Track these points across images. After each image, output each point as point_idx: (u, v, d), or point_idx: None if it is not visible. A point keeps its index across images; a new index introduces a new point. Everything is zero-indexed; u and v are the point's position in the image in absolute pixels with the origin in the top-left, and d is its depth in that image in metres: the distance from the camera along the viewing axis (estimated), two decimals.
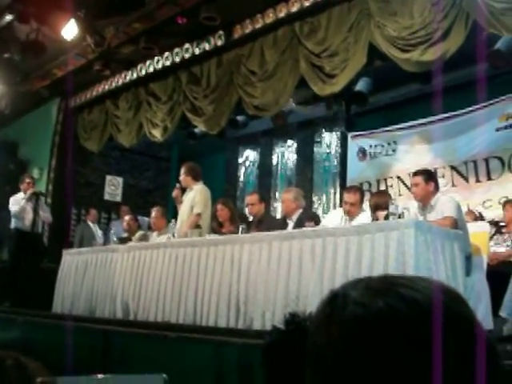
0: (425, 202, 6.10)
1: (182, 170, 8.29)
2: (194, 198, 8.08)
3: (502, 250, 6.84)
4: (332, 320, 0.78)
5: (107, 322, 7.25)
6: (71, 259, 8.99)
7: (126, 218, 9.96)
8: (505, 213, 7.30)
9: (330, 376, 0.76)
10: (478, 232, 6.70)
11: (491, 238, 7.11)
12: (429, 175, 6.21)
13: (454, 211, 5.81)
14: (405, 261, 4.87)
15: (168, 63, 10.44)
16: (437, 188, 6.18)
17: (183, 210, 8.17)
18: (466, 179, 9.61)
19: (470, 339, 0.74)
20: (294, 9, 8.46)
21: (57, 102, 13.09)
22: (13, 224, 10.39)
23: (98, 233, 11.91)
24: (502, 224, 7.62)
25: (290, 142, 13.27)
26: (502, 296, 5.55)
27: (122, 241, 8.94)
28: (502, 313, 4.87)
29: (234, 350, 5.24)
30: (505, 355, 3.56)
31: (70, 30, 9.26)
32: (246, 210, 8.44)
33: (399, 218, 5.53)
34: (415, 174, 6.35)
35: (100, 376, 1.26)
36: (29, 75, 11.93)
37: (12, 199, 10.43)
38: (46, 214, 10.67)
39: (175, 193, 8.39)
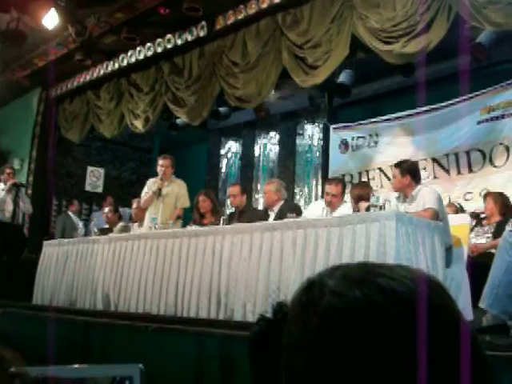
0: (403, 194, 6.12)
1: (167, 162, 8.29)
2: (178, 191, 8.19)
3: (482, 241, 6.87)
4: (308, 310, 0.76)
5: (88, 314, 7.22)
6: (52, 250, 8.95)
7: (106, 209, 9.92)
8: (485, 205, 7.34)
9: (304, 368, 0.74)
10: (458, 224, 6.73)
11: (472, 229, 7.13)
12: (406, 168, 6.20)
13: (434, 203, 5.83)
14: (385, 252, 4.89)
15: (150, 54, 10.38)
16: (416, 180, 6.19)
17: (167, 203, 8.18)
18: (448, 171, 9.64)
19: (452, 330, 0.73)
20: (277, 0, 8.45)
21: (38, 92, 13.01)
22: None
23: (79, 224, 11.85)
24: (482, 216, 7.65)
25: (272, 133, 13.27)
26: (482, 287, 5.57)
27: (103, 232, 8.90)
28: (482, 304, 4.89)
29: (215, 341, 5.24)
30: (484, 346, 3.56)
31: (50, 20, 9.18)
32: (228, 201, 8.44)
33: (380, 209, 5.54)
34: (395, 165, 6.37)
35: (73, 366, 1.25)
36: (9, 65, 11.82)
37: None
38: (26, 205, 10.60)
39: (160, 184, 8.31)
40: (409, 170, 6.20)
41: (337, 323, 0.72)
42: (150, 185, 8.46)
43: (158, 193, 8.29)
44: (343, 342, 0.71)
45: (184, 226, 7.86)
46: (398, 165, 6.28)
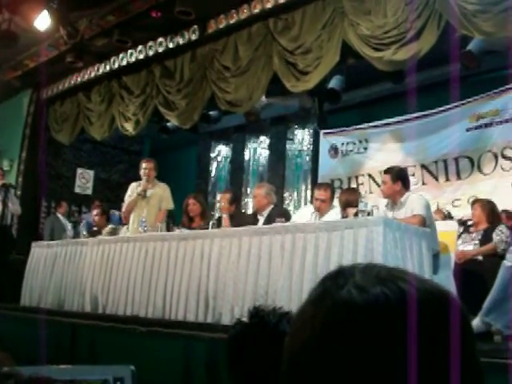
0: (393, 200, 6.16)
1: (151, 165, 8.37)
2: (162, 193, 8.29)
3: (469, 248, 6.91)
4: (326, 295, 0.78)
5: (75, 316, 7.22)
6: (40, 252, 8.93)
7: (94, 212, 9.90)
8: (473, 212, 7.37)
9: (308, 352, 0.76)
10: (446, 230, 6.78)
11: (459, 236, 7.18)
12: (397, 174, 6.24)
13: (422, 209, 5.87)
14: (373, 257, 4.91)
15: (141, 56, 10.38)
16: (406, 187, 6.23)
17: (152, 206, 8.23)
18: (436, 178, 9.69)
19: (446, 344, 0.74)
20: (269, 5, 8.48)
21: (28, 93, 12.98)
22: None
23: (68, 226, 11.81)
24: (470, 223, 7.69)
25: (262, 137, 13.29)
26: (469, 294, 5.61)
27: (92, 234, 8.89)
28: (486, 318, 4.91)
29: (203, 345, 5.26)
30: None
31: (42, 21, 9.18)
32: (217, 205, 8.44)
33: (368, 215, 5.57)
34: (385, 171, 6.40)
35: (66, 366, 1.27)
36: (0, 66, 11.81)
37: None
38: (15, 206, 10.59)
39: (145, 185, 8.36)
40: (400, 177, 6.24)
41: (350, 315, 0.74)
42: (133, 188, 8.51)
43: (144, 194, 8.32)
44: (347, 335, 0.73)
45: (168, 228, 7.89)
46: (389, 171, 6.31)
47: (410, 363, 0.70)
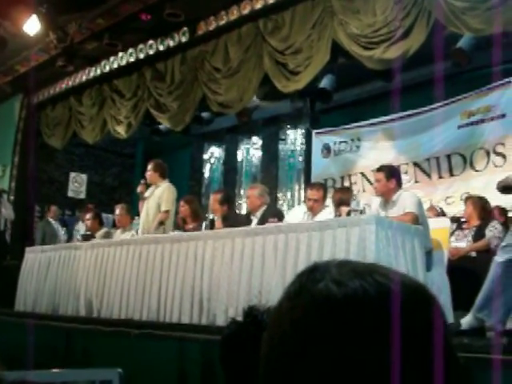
0: (386, 198, 6.16)
1: (150, 167, 8.28)
2: (161, 195, 8.09)
3: (462, 245, 6.92)
4: (303, 289, 0.78)
5: (70, 320, 7.21)
6: (34, 257, 8.92)
7: (87, 216, 9.88)
8: (465, 209, 7.39)
9: (292, 348, 0.76)
10: (439, 228, 6.79)
11: (452, 233, 7.19)
12: (391, 172, 6.26)
13: (415, 207, 5.88)
14: (366, 256, 4.91)
15: (132, 59, 10.37)
16: (399, 184, 6.24)
17: (149, 207, 8.16)
18: (429, 175, 9.72)
19: (427, 332, 0.74)
20: (258, 6, 8.48)
21: (19, 98, 12.96)
22: None
23: (60, 230, 11.78)
24: (462, 220, 7.71)
25: (254, 138, 13.32)
26: (462, 290, 5.63)
27: (86, 238, 8.88)
28: (479, 314, 4.91)
29: (197, 346, 5.26)
30: (461, 348, 3.62)
31: (32, 26, 9.17)
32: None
33: (361, 213, 5.58)
34: (378, 169, 6.40)
35: (53, 370, 1.27)
36: None
37: None
38: (8, 212, 10.59)
39: (141, 188, 8.37)
40: (393, 174, 6.25)
41: (327, 308, 0.74)
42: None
43: (141, 196, 8.33)
44: (327, 327, 0.73)
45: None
46: (382, 169, 6.32)
47: (393, 356, 0.70)
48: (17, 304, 8.84)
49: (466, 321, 4.94)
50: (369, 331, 0.72)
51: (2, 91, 12.39)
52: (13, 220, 11.23)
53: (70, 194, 13.80)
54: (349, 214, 5.83)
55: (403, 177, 7.37)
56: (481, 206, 7.14)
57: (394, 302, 0.73)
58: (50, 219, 11.93)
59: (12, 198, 12.21)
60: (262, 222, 6.90)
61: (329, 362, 0.72)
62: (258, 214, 7.29)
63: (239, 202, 12.99)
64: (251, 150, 13.39)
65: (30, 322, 6.82)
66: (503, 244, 5.05)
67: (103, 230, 9.31)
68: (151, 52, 10.06)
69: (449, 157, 9.46)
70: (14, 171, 12.68)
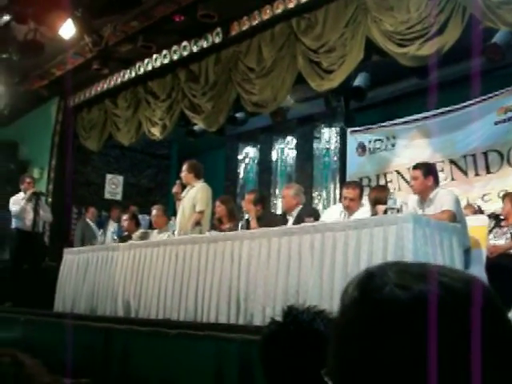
0: (423, 196, 6.12)
1: (184, 167, 8.30)
2: (195, 195, 8.10)
3: (501, 242, 6.84)
4: (366, 298, 0.78)
5: (108, 320, 7.26)
6: (72, 258, 9.02)
7: (124, 217, 9.95)
8: (503, 206, 7.30)
9: (359, 356, 0.76)
10: (477, 225, 6.72)
11: (490, 231, 7.11)
12: (428, 169, 6.22)
13: (452, 205, 5.83)
14: (403, 255, 4.88)
15: (166, 61, 10.43)
16: (436, 182, 6.20)
17: (184, 207, 8.17)
18: (465, 173, 9.62)
19: (504, 334, 0.76)
20: (291, 5, 8.46)
21: (56, 101, 13.10)
22: (13, 224, 10.43)
23: (98, 231, 11.89)
24: (501, 217, 7.62)
25: (289, 138, 13.30)
26: (502, 288, 5.56)
27: (123, 239, 8.95)
28: None
29: (235, 346, 5.25)
30: None
31: (67, 30, 9.25)
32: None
33: (398, 212, 5.54)
34: (415, 167, 6.37)
35: None
36: (27, 75, 11.93)
37: (12, 199, 10.48)
38: (46, 214, 10.70)
39: (176, 188, 8.40)
40: (431, 172, 6.21)
41: (397, 314, 0.74)
42: None
43: (177, 197, 8.37)
44: (401, 332, 0.73)
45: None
46: (419, 166, 6.28)
47: (473, 354, 0.71)
48: (56, 305, 8.95)
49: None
50: (447, 333, 0.72)
51: (39, 95, 12.54)
52: (51, 222, 11.35)
53: (107, 195, 13.91)
54: (385, 212, 5.79)
55: (439, 175, 7.30)
56: None
57: (475, 300, 0.73)
58: (89, 220, 12.05)
59: (50, 200, 12.35)
60: (297, 221, 6.89)
61: (408, 362, 0.72)
62: (294, 213, 7.28)
63: (274, 201, 13.00)
64: (286, 150, 13.38)
65: (68, 322, 6.88)
66: None
67: (140, 231, 9.38)
68: (185, 53, 10.10)
69: (485, 154, 9.36)
70: (52, 174, 12.82)
